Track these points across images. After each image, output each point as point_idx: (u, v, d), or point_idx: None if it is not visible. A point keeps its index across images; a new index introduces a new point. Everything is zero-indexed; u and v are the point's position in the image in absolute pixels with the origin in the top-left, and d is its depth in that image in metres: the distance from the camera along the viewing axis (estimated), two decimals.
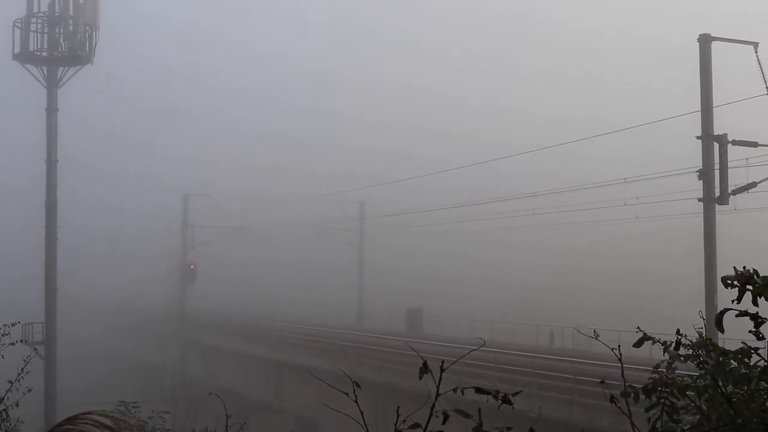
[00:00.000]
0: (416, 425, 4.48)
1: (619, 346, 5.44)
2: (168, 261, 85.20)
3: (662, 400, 5.46)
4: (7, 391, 13.71)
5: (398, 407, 4.50)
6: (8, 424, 13.83)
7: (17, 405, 14.14)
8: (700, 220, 28.92)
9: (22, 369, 14.10)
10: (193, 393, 61.72)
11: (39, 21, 45.83)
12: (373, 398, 37.23)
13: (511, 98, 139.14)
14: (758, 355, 5.22)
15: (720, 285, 4.94)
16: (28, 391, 14.27)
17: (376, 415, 33.77)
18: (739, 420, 5.03)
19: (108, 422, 4.31)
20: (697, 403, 5.39)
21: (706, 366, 5.41)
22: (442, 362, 4.60)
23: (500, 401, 4.51)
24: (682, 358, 5.58)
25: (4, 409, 13.67)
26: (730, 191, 28.52)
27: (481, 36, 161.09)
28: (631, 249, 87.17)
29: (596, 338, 6.20)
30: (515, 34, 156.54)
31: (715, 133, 28.53)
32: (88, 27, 45.64)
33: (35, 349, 39.25)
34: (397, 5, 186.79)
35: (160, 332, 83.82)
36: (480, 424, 4.49)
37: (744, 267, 4.88)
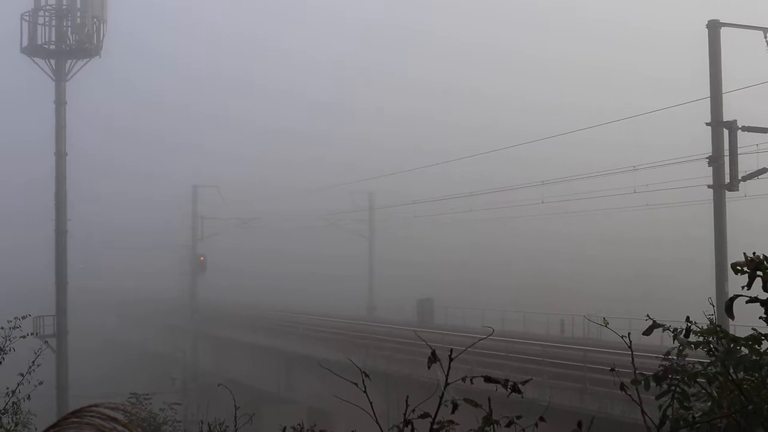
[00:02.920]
0: (426, 414, 4.47)
1: (629, 333, 5.42)
2: (178, 253, 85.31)
3: (673, 388, 5.43)
4: (18, 384, 13.74)
5: (407, 397, 4.49)
6: (19, 416, 13.87)
7: (29, 398, 14.17)
8: (710, 206, 28.85)
9: (33, 362, 14.13)
10: (203, 384, 61.84)
11: (47, 14, 45.82)
12: (383, 389, 37.26)
13: (521, 87, 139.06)
14: None
15: (730, 271, 4.91)
16: (40, 384, 14.30)
17: (388, 405, 33.79)
18: (750, 407, 5.01)
19: (116, 415, 4.30)
20: (708, 390, 5.36)
21: (716, 353, 5.38)
22: (451, 351, 4.58)
23: (510, 390, 4.50)
24: (692, 346, 5.55)
25: (15, 402, 13.71)
26: (740, 177, 28.43)
27: (492, 27, 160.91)
28: (641, 236, 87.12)
29: (606, 326, 6.17)
30: (526, 24, 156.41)
31: (724, 120, 28.43)
32: (95, 19, 45.61)
33: (46, 342, 39.54)
34: None
35: (170, 324, 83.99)
36: (490, 413, 4.48)
37: (754, 253, 4.86)
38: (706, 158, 28.76)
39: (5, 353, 13.65)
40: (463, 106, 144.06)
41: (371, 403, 4.72)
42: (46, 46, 45.82)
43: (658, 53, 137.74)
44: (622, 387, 5.29)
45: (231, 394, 8.86)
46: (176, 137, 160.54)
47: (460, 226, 72.18)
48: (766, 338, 5.17)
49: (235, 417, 8.43)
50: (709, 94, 28.78)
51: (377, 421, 4.83)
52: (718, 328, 5.45)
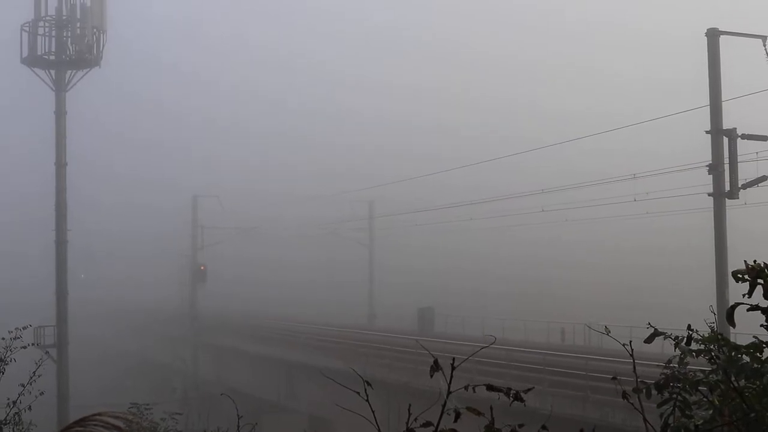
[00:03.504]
0: (428, 423, 4.47)
1: (630, 341, 5.42)
2: (178, 262, 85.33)
3: (674, 396, 5.43)
4: (19, 395, 13.74)
5: (410, 405, 4.49)
6: (21, 427, 13.87)
7: (30, 408, 14.17)
8: (710, 214, 28.85)
9: (34, 372, 14.13)
10: (204, 394, 61.79)
11: (47, 24, 45.88)
12: (385, 397, 37.20)
13: (520, 94, 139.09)
14: None
15: (731, 279, 4.92)
16: (41, 395, 14.30)
17: (389, 413, 33.74)
18: (752, 415, 5.01)
19: (119, 423, 4.31)
20: (710, 399, 5.36)
21: (717, 361, 5.39)
22: (453, 360, 4.59)
23: (512, 399, 4.50)
24: (693, 354, 5.55)
25: (16, 413, 13.71)
26: (740, 185, 28.43)
27: (489, 33, 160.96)
28: (642, 245, 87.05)
29: (607, 334, 6.18)
30: (524, 30, 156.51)
31: (724, 128, 28.45)
32: (95, 30, 45.66)
33: (47, 352, 39.52)
34: (406, 3, 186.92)
35: (171, 333, 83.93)
36: (492, 422, 4.48)
37: (755, 261, 4.86)
38: (706, 166, 28.78)
39: (6, 364, 13.65)
40: (462, 113, 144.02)
41: (373, 412, 4.72)
42: (46, 57, 45.86)
43: (657, 61, 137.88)
44: (624, 395, 5.29)
45: (234, 403, 8.85)
46: (176, 146, 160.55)
47: (461, 234, 72.20)
48: (767, 346, 5.18)
49: (238, 426, 8.42)
50: (708, 102, 28.82)
51: (379, 430, 4.83)
52: (719, 336, 5.46)
